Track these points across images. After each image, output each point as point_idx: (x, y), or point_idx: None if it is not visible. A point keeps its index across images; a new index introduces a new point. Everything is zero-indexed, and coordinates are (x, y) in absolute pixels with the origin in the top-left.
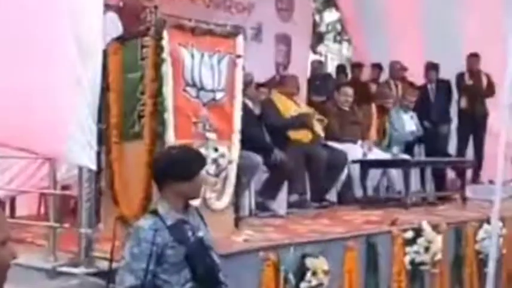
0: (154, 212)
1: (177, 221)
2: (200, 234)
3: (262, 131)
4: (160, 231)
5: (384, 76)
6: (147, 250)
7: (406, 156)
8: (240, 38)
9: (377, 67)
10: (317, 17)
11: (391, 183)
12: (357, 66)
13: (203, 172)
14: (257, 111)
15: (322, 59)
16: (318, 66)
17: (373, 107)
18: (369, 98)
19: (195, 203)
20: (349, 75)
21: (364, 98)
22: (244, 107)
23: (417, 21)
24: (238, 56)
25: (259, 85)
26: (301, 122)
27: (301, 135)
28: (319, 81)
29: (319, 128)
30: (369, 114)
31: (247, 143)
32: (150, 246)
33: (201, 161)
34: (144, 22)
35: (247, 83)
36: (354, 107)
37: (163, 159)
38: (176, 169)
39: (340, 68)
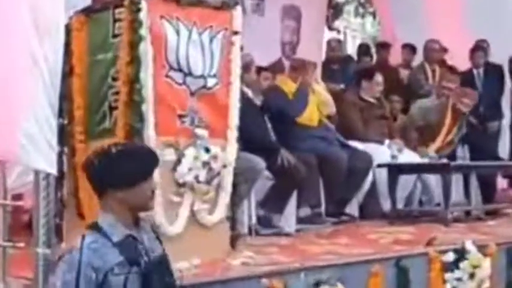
0: (95, 227)
1: (125, 237)
2: (156, 254)
3: (266, 126)
4: (102, 250)
5: (418, 59)
6: (83, 276)
7: (445, 160)
8: (237, 10)
9: (409, 48)
10: None
11: (427, 193)
12: (384, 46)
13: (156, 175)
14: (259, 101)
15: (341, 37)
16: (335, 46)
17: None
18: (399, 87)
19: (146, 215)
20: (374, 58)
21: (394, 86)
22: (243, 97)
23: None
24: (235, 33)
25: (261, 69)
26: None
27: (305, 117)
28: (336, 65)
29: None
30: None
31: (247, 141)
32: (89, 271)
33: (150, 161)
34: None
35: (246, 67)
36: (381, 98)
37: (100, 161)
38: (116, 173)
39: (363, 49)
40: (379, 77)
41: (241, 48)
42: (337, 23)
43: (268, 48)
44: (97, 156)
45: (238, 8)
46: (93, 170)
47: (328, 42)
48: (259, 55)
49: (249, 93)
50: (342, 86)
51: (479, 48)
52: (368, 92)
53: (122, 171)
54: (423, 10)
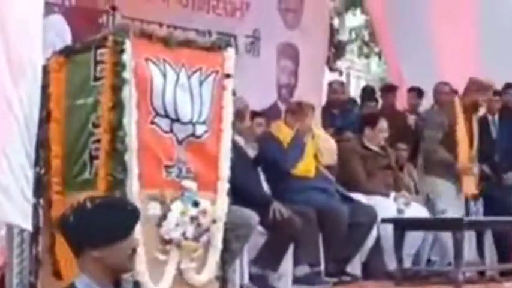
0: None
1: None
2: None
3: (258, 178)
4: None
5: (427, 102)
6: None
7: (457, 215)
8: (229, 51)
9: (415, 92)
10: (335, 21)
11: (437, 251)
12: (389, 89)
13: (139, 231)
14: (252, 151)
15: (343, 78)
16: (337, 88)
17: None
18: (406, 134)
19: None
20: (380, 102)
21: (400, 133)
22: (235, 146)
23: (471, 25)
24: (228, 76)
25: (255, 114)
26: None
27: (302, 168)
28: (337, 109)
29: (325, 154)
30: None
31: (239, 194)
32: None
33: (130, 216)
34: (100, 29)
35: (240, 114)
36: (386, 147)
37: (76, 217)
38: (92, 230)
39: (367, 92)
40: (383, 124)
41: (234, 93)
42: (339, 64)
43: (263, 91)
44: (72, 211)
45: (231, 49)
46: (68, 226)
47: (330, 85)
48: (253, 99)
49: (241, 142)
50: (349, 133)
51: (495, 91)
52: (372, 139)
53: (99, 228)
54: (432, 49)
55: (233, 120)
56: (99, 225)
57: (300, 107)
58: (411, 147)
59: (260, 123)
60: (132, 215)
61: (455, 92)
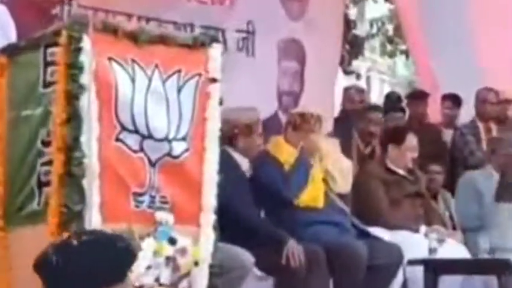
0: None
1: None
2: None
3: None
4: None
5: (466, 112)
6: None
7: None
8: (215, 49)
9: (451, 99)
10: (352, 11)
11: None
12: (418, 96)
13: (132, 276)
14: (250, 171)
15: (363, 83)
16: (355, 96)
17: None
18: (441, 153)
19: None
20: (407, 112)
21: (433, 152)
22: (228, 163)
23: None
24: (213, 80)
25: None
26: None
27: (307, 197)
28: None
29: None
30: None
31: (231, 227)
32: None
33: (126, 256)
34: (52, 22)
35: (248, 127)
36: (415, 169)
37: (60, 257)
38: (81, 273)
39: (392, 99)
40: (412, 140)
41: (221, 102)
42: (357, 64)
43: (259, 99)
44: (55, 250)
45: (217, 46)
46: (51, 269)
47: (346, 91)
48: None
49: (237, 159)
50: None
51: None
52: (397, 160)
53: (89, 270)
54: (472, 47)
55: (220, 134)
56: (89, 268)
57: (305, 119)
58: (447, 169)
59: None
60: (128, 253)
61: (507, 101)
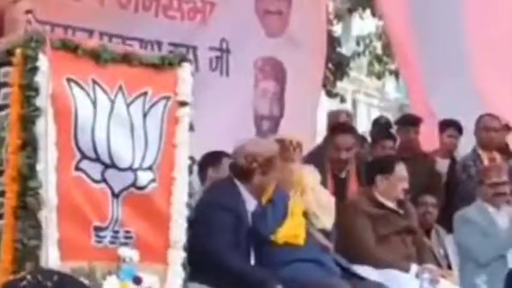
0: None
1: None
2: None
3: (239, 239)
4: None
5: (466, 141)
6: None
7: None
8: (185, 69)
9: (453, 127)
10: (337, 28)
11: None
12: (409, 122)
13: None
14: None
15: (348, 106)
16: (347, 116)
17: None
18: (434, 185)
19: None
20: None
21: (426, 184)
22: (233, 199)
23: None
24: (183, 104)
25: (225, 154)
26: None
27: (285, 233)
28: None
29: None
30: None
31: (201, 267)
32: None
33: None
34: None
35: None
36: (406, 203)
37: None
38: None
39: (380, 125)
40: (402, 170)
41: (191, 127)
42: (342, 86)
43: (234, 124)
44: None
45: (187, 66)
46: None
47: (331, 116)
48: (220, 135)
49: (247, 199)
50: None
51: None
52: (386, 192)
53: None
54: (469, 69)
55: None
56: None
57: (283, 147)
58: (442, 203)
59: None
60: None
61: (508, 128)
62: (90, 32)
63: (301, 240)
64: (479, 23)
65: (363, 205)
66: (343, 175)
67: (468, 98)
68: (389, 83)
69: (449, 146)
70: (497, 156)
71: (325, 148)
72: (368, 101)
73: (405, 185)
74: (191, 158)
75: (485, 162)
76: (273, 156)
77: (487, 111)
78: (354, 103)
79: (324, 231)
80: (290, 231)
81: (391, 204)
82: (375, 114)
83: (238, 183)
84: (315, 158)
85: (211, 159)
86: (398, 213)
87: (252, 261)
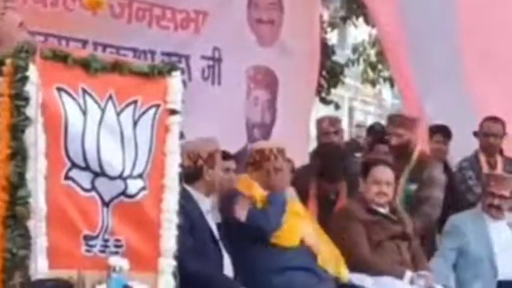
0: None
1: None
2: None
3: (221, 258)
4: None
5: (460, 145)
6: None
7: None
8: (175, 78)
9: (441, 133)
10: (331, 35)
11: None
12: (400, 124)
13: None
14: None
15: (344, 113)
16: (328, 129)
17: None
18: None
19: None
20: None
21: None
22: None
23: None
24: (173, 112)
25: (225, 157)
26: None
27: (282, 237)
28: (332, 158)
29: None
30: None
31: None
32: None
33: None
34: None
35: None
36: (398, 209)
37: None
38: None
39: (376, 131)
40: (378, 173)
41: (182, 135)
42: (338, 93)
43: (227, 133)
44: None
45: (177, 74)
46: None
47: (320, 123)
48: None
49: (200, 200)
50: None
51: None
52: (375, 196)
53: None
54: (463, 74)
55: (182, 171)
56: None
57: (264, 156)
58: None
59: (228, 169)
60: None
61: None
62: (84, 42)
63: (296, 242)
64: (472, 28)
65: (355, 211)
66: (332, 196)
67: (462, 102)
68: (386, 89)
69: (436, 151)
70: (499, 160)
71: (311, 168)
72: (365, 109)
73: (383, 188)
74: (182, 166)
75: (484, 166)
76: (214, 150)
77: (481, 116)
78: (351, 110)
79: None
80: (288, 232)
81: (383, 210)
82: (372, 121)
83: (187, 187)
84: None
85: None
86: (391, 219)
87: (244, 262)
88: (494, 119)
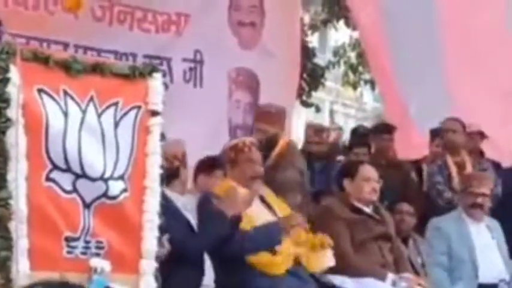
0: None
1: None
2: None
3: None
4: None
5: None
6: None
7: None
8: (156, 79)
9: (435, 136)
10: (312, 38)
11: None
12: (382, 131)
13: None
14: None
15: (325, 116)
16: (315, 132)
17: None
18: (409, 193)
19: None
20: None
21: (402, 192)
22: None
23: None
24: (154, 113)
25: (214, 165)
26: (270, 237)
27: (269, 261)
28: (316, 162)
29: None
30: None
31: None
32: None
33: None
34: None
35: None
36: (381, 209)
37: None
38: None
39: (358, 134)
40: (367, 171)
41: (163, 137)
42: (319, 96)
43: (209, 135)
44: None
45: (158, 76)
46: None
47: (306, 129)
48: (195, 145)
49: (175, 199)
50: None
51: None
52: (355, 195)
53: None
54: (445, 75)
55: (164, 174)
56: None
57: (238, 150)
58: (420, 211)
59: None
60: None
61: (482, 134)
62: (65, 45)
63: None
64: (453, 29)
65: (338, 210)
66: None
67: (444, 102)
68: (367, 92)
69: (435, 155)
70: (467, 158)
71: None
72: (345, 111)
73: (374, 185)
74: (163, 167)
75: (453, 169)
76: (185, 151)
77: (460, 116)
78: (331, 114)
79: None
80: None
81: (368, 209)
82: (352, 124)
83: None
84: None
85: (204, 166)
86: (375, 218)
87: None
88: (454, 119)
